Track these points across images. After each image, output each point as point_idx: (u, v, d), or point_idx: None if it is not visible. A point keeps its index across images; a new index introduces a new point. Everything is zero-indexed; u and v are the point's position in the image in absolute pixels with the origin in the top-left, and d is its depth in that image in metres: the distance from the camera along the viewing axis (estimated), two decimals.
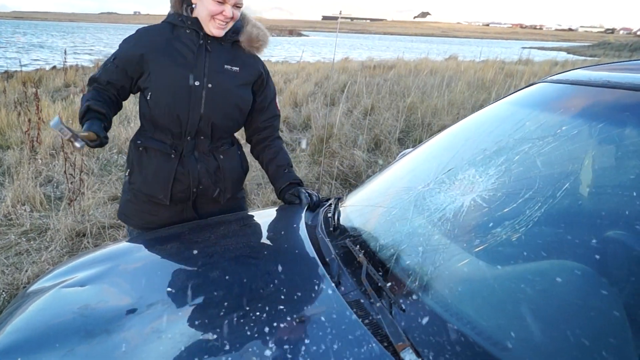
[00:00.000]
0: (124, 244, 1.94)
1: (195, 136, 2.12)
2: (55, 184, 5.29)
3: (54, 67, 16.08)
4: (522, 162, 1.52)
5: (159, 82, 2.05)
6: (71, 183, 4.67)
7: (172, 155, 2.12)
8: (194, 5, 2.09)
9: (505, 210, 1.37)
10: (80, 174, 4.75)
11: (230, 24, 2.09)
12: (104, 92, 2.12)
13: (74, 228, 4.13)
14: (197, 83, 2.05)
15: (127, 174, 2.24)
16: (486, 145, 1.72)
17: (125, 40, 2.12)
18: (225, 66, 2.12)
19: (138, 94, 2.20)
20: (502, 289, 1.25)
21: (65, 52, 13.81)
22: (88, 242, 4.00)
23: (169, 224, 2.18)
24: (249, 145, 2.43)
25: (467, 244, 1.37)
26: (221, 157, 2.22)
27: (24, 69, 15.01)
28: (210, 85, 2.07)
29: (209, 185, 2.20)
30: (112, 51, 2.14)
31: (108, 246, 1.95)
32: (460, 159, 1.75)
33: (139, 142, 2.16)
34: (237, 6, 2.05)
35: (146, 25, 2.17)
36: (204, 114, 2.09)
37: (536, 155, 1.50)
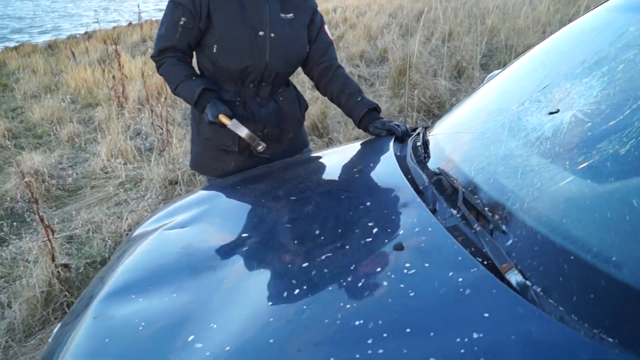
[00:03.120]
0: (217, 186, 1.99)
1: (258, 83, 2.14)
2: (144, 136, 5.51)
3: (130, 23, 16.43)
4: (627, 71, 1.40)
5: (225, 35, 2.03)
6: (160, 134, 4.83)
7: (237, 103, 2.14)
8: None
9: (611, 123, 1.29)
10: (166, 125, 4.89)
11: None
12: (185, 59, 2.14)
13: (166, 177, 4.31)
14: (261, 33, 2.05)
15: (195, 126, 2.28)
16: (585, 57, 1.60)
17: None
18: (281, 15, 2.10)
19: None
20: (610, 204, 1.18)
21: (138, 7, 14.08)
22: (181, 189, 4.16)
23: (240, 169, 2.22)
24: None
25: (569, 162, 1.30)
26: (280, 99, 2.24)
27: (102, 27, 15.43)
28: (272, 35, 2.07)
29: (273, 127, 2.23)
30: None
31: (201, 191, 2.00)
32: (556, 74, 1.65)
33: None
34: None
35: None
36: (269, 63, 2.09)
37: None
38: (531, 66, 1.93)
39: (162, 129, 4.83)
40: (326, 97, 2.39)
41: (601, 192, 1.23)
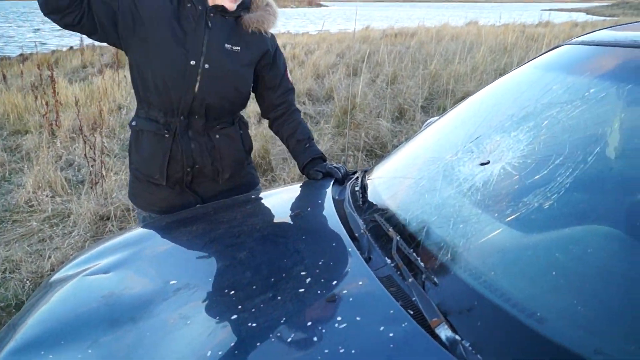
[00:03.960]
0: (146, 228, 1.92)
1: (189, 115, 2.04)
2: (76, 168, 5.30)
3: (71, 47, 16.07)
4: (550, 127, 1.49)
5: (154, 56, 1.95)
6: (92, 166, 4.65)
7: (166, 135, 2.05)
8: None
9: (536, 177, 1.34)
10: (101, 156, 4.74)
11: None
12: None
13: (97, 212, 4.13)
14: (192, 62, 1.96)
15: (129, 154, 2.19)
16: (513, 111, 1.68)
17: None
18: (226, 45, 2.02)
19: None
20: (537, 258, 1.22)
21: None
22: (112, 226, 4.01)
23: (170, 205, 2.15)
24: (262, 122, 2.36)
25: (498, 214, 1.34)
26: (217, 136, 2.13)
27: (40, 50, 14.97)
28: (207, 66, 1.98)
29: (205, 165, 2.14)
30: None
31: (130, 231, 1.94)
32: (488, 126, 1.72)
33: (133, 124, 2.10)
34: None
35: None
36: (198, 95, 2.00)
37: (565, 119, 1.47)
38: (465, 116, 2.00)
39: (95, 161, 4.67)
40: (277, 136, 2.35)
41: (528, 246, 1.28)
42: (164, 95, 1.98)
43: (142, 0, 1.93)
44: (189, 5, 1.96)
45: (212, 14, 1.98)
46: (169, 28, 1.93)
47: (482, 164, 1.52)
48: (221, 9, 1.98)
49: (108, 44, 2.02)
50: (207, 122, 2.09)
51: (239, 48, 2.04)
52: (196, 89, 1.99)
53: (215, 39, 1.99)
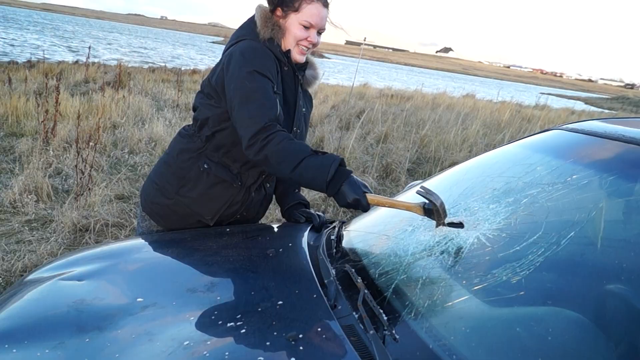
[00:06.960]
0: (125, 243, 1.94)
1: (267, 173, 2.12)
2: (64, 177, 5.31)
3: (77, 61, 16.23)
4: (529, 206, 1.52)
5: None
6: (80, 178, 4.69)
7: (234, 185, 2.07)
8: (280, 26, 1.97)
9: (509, 252, 1.37)
10: (90, 170, 4.76)
11: (311, 50, 2.04)
12: None
13: (78, 222, 4.14)
14: (296, 129, 2.06)
15: (178, 185, 2.09)
16: (496, 185, 1.72)
17: (262, 63, 1.91)
18: (303, 109, 2.12)
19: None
20: (497, 329, 1.25)
21: (89, 48, 13.99)
22: (90, 238, 4.00)
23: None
24: None
25: (466, 281, 1.37)
26: (267, 185, 2.22)
27: (46, 59, 15.11)
28: (298, 131, 2.08)
29: (255, 211, 2.22)
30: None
31: (109, 244, 1.95)
32: (469, 195, 1.75)
33: (206, 166, 2.05)
34: (320, 32, 2.01)
35: (255, 44, 1.95)
36: None
37: (544, 200, 1.51)
38: (449, 183, 2.04)
39: (84, 173, 4.70)
40: None
41: (491, 317, 1.29)
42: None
43: (270, 68, 1.93)
44: (286, 69, 2.02)
45: (299, 76, 2.08)
46: (280, 96, 1.96)
47: (454, 224, 1.57)
48: (300, 66, 2.07)
49: None
50: (271, 176, 2.18)
51: (305, 110, 2.15)
52: None
53: (302, 103, 2.10)
